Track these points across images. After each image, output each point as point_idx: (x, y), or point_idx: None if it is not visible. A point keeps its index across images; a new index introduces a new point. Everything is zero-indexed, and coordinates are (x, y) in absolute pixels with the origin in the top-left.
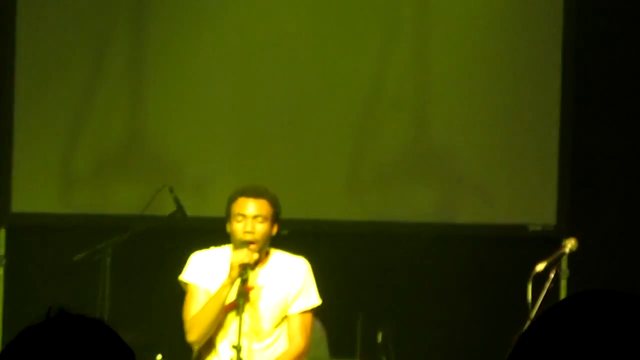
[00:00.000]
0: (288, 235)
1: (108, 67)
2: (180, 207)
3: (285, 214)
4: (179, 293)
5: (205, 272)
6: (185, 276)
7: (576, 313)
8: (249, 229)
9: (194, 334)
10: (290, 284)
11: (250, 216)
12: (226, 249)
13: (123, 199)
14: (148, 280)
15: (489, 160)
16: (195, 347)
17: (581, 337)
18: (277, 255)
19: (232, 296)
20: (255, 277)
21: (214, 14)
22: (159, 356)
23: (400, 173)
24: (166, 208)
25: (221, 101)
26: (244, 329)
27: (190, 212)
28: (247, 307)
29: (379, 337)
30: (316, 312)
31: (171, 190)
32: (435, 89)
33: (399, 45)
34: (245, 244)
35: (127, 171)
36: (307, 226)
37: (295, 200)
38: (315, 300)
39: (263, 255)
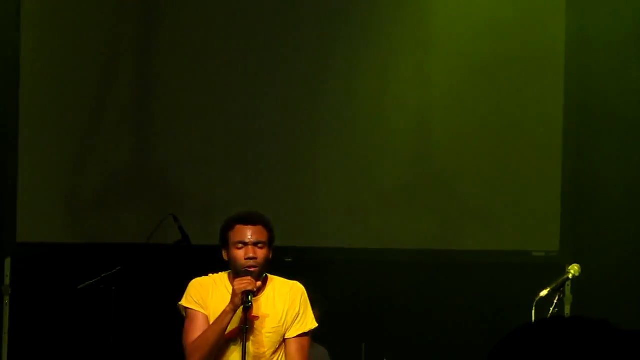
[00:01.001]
0: (291, 262)
1: (113, 97)
2: (185, 236)
3: (288, 242)
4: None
5: (204, 298)
6: (184, 302)
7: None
8: (251, 255)
9: (195, 358)
10: (288, 309)
11: (251, 243)
12: (224, 275)
13: (127, 228)
14: (153, 308)
15: (492, 186)
16: None
17: None
18: (274, 281)
19: (234, 321)
20: (256, 304)
21: (216, 46)
22: None
23: (402, 200)
24: (170, 236)
25: (224, 130)
26: (247, 355)
27: (194, 240)
28: (250, 334)
29: None
30: (321, 339)
31: (176, 219)
32: (438, 115)
33: (400, 70)
34: (248, 272)
35: (131, 200)
36: (311, 254)
37: (298, 228)
38: (313, 324)
39: (262, 282)
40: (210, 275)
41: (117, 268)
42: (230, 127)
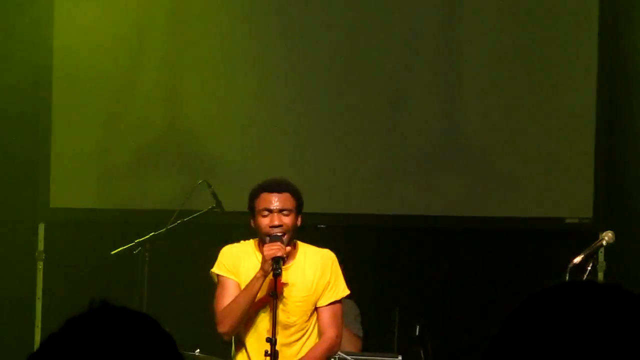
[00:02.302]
0: (325, 229)
1: (145, 64)
2: (218, 202)
3: (321, 208)
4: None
5: (234, 265)
6: (215, 269)
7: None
8: (276, 222)
9: (225, 325)
10: (319, 277)
11: (276, 210)
12: (255, 242)
13: (160, 194)
14: (186, 274)
15: (524, 151)
16: (226, 338)
17: (557, 327)
18: (304, 249)
19: (263, 289)
20: (286, 273)
21: (248, 9)
22: (197, 350)
23: (432, 165)
24: (201, 203)
25: (256, 97)
26: (276, 323)
27: (227, 206)
28: (279, 302)
29: (417, 330)
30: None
31: (209, 185)
32: (467, 78)
33: (428, 33)
34: (277, 237)
35: (164, 166)
36: (344, 220)
37: (331, 194)
38: (344, 291)
39: (291, 248)
40: (242, 242)
41: (150, 234)
42: (261, 93)
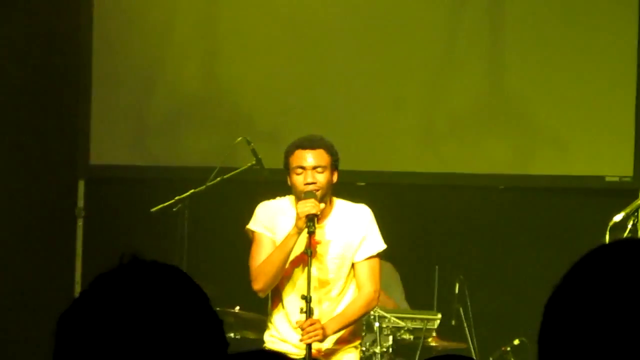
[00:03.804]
0: (364, 186)
1: (183, 21)
2: (258, 159)
3: (361, 166)
4: None
5: (271, 221)
6: (251, 225)
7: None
8: (309, 180)
9: (259, 282)
10: (354, 232)
11: (310, 167)
12: (290, 199)
13: (199, 151)
14: (226, 231)
15: (565, 110)
16: (261, 295)
17: (615, 285)
18: (340, 205)
19: (298, 246)
20: (322, 230)
21: None
22: (237, 307)
23: (476, 124)
24: (241, 160)
25: (298, 52)
26: (312, 280)
27: (266, 164)
28: (314, 259)
29: (456, 288)
30: (394, 262)
31: (249, 142)
32: (511, 39)
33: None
34: (311, 193)
35: (203, 123)
36: (383, 178)
37: (371, 152)
38: (381, 245)
39: (327, 204)
40: (278, 198)
41: (190, 191)
42: (301, 49)
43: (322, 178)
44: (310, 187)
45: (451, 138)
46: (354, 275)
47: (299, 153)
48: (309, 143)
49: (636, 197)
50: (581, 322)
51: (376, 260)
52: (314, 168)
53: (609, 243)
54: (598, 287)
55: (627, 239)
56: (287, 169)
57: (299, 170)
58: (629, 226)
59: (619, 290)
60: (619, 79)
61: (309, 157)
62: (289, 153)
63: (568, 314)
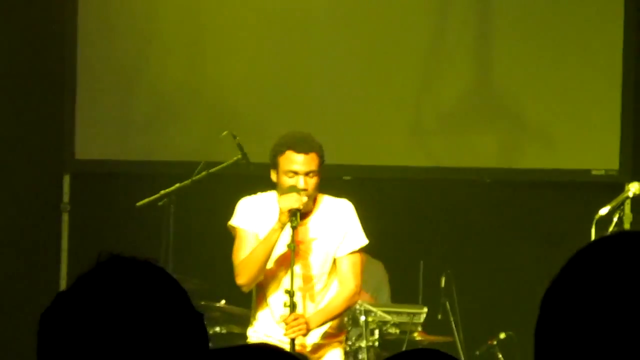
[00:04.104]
0: (350, 181)
1: (167, 16)
2: (244, 154)
3: (347, 160)
4: None
5: (253, 217)
6: (234, 221)
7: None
8: (302, 186)
9: (243, 276)
10: (337, 228)
11: (302, 173)
12: (272, 194)
13: (184, 145)
14: (211, 226)
15: (551, 104)
16: (244, 290)
17: (614, 278)
18: (323, 201)
19: (281, 241)
20: (305, 227)
21: None
22: (223, 301)
23: (462, 118)
24: (227, 154)
25: (284, 46)
26: (296, 275)
27: (251, 158)
28: (297, 255)
29: (442, 282)
30: (379, 256)
31: (234, 137)
32: (497, 34)
33: None
34: (294, 187)
35: (189, 117)
36: (369, 172)
37: (357, 147)
38: (363, 240)
39: (311, 203)
40: (259, 193)
41: (176, 185)
42: (286, 43)
43: (312, 182)
44: (303, 194)
45: (437, 132)
46: (336, 270)
47: (291, 155)
48: (302, 146)
49: (622, 191)
50: (579, 315)
51: (358, 255)
52: (307, 174)
53: (608, 235)
54: (596, 280)
55: (626, 231)
56: (273, 166)
57: (291, 174)
58: (615, 219)
59: (617, 283)
60: (605, 72)
61: (302, 163)
62: (278, 152)
63: (566, 307)
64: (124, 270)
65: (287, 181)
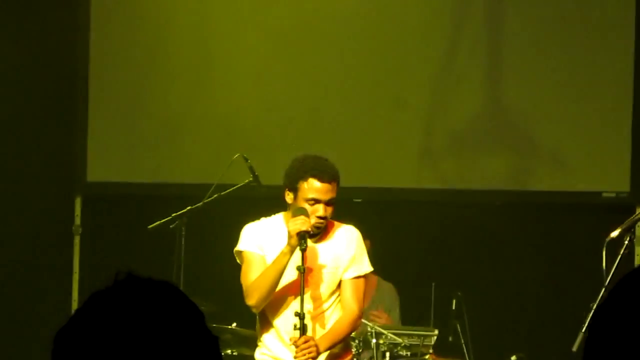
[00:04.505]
0: (361, 203)
1: (177, 36)
2: (255, 176)
3: (358, 182)
4: None
5: (259, 241)
6: (240, 246)
7: None
8: (321, 213)
9: (253, 298)
10: (345, 251)
11: (324, 201)
12: (277, 218)
13: (195, 168)
14: (223, 248)
15: (562, 127)
16: (254, 311)
17: None
18: (330, 223)
19: (290, 263)
20: (313, 247)
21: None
22: (234, 324)
23: (473, 140)
24: (238, 176)
25: (295, 67)
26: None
27: (263, 180)
28: (306, 277)
29: (453, 304)
30: (391, 278)
31: (246, 159)
32: (508, 55)
33: (471, 9)
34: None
35: (200, 139)
36: (380, 194)
37: (368, 169)
38: (368, 267)
39: (323, 228)
40: (263, 219)
41: (187, 208)
42: (299, 65)
43: (330, 210)
44: (321, 221)
45: (448, 154)
46: (340, 292)
47: (314, 183)
48: (326, 175)
49: (633, 213)
50: (629, 337)
51: (362, 281)
52: (327, 203)
53: None
54: None
55: None
56: (292, 190)
57: (312, 202)
58: (626, 242)
59: None
60: (616, 95)
61: (325, 191)
62: (299, 177)
63: (615, 330)
64: (143, 290)
65: (307, 207)
